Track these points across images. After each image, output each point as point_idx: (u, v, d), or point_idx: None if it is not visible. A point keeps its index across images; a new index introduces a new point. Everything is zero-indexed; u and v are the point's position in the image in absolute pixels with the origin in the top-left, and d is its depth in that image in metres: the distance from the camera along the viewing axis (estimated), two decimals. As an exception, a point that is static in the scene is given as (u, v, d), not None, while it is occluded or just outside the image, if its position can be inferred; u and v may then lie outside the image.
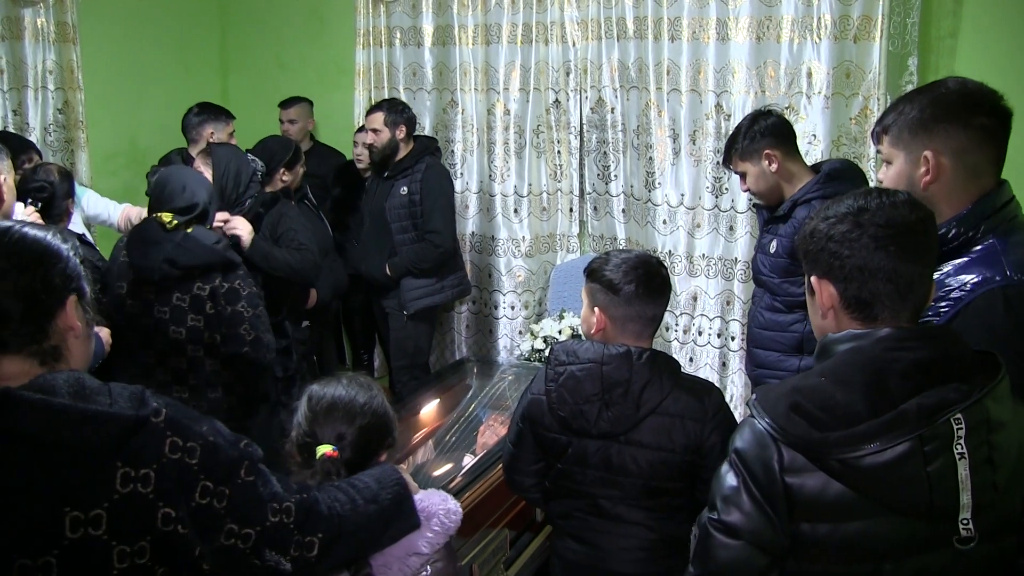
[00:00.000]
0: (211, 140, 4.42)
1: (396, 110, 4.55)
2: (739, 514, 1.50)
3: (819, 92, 4.03)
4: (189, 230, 3.12)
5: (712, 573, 1.54)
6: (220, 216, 3.50)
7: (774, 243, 3.27)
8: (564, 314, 4.70)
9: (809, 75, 4.06)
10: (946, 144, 1.82)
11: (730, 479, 1.53)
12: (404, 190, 4.53)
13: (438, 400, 4.04)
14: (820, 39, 4.00)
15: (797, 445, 1.45)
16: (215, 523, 1.44)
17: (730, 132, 4.25)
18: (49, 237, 1.45)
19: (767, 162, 3.23)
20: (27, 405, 1.30)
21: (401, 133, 4.54)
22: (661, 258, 3.10)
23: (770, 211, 3.36)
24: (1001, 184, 1.86)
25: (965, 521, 1.43)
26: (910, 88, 3.93)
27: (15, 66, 4.72)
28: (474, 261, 5.22)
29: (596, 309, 2.36)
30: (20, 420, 1.29)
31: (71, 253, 1.47)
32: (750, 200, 4.26)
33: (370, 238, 4.68)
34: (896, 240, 1.50)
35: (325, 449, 1.90)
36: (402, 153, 4.58)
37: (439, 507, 1.97)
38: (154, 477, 1.35)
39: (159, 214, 3.14)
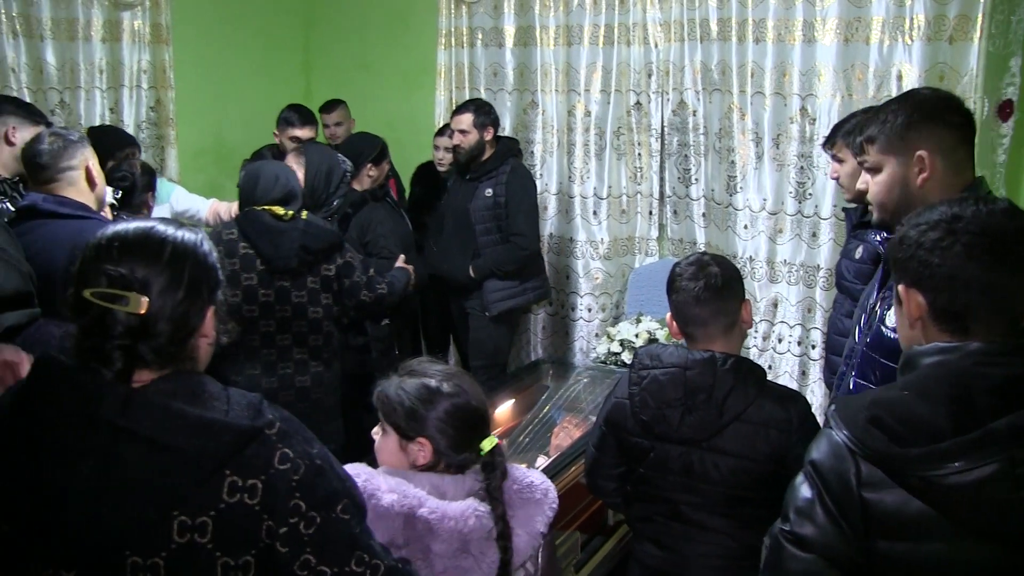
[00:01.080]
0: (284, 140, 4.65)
1: (484, 111, 4.54)
2: (812, 527, 1.45)
3: (910, 95, 3.91)
4: (304, 216, 3.31)
5: None
6: None
7: (860, 249, 3.17)
8: (641, 318, 4.66)
9: (899, 78, 3.95)
10: (935, 143, 2.00)
11: (804, 491, 1.48)
12: (489, 192, 4.53)
13: (513, 401, 4.04)
14: (912, 40, 3.89)
15: (876, 459, 1.40)
16: (294, 548, 1.37)
17: (814, 136, 4.21)
18: (203, 247, 1.46)
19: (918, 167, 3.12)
20: (147, 407, 1.31)
21: (488, 135, 4.53)
22: (739, 263, 3.05)
23: (859, 215, 3.25)
24: (979, 177, 2.05)
25: None
26: (1012, 91, 3.82)
27: (113, 66, 4.89)
28: (552, 263, 5.21)
29: (669, 314, 2.40)
30: (140, 421, 1.29)
31: (215, 258, 1.49)
32: (835, 206, 4.17)
33: (452, 239, 4.68)
34: (992, 250, 1.41)
35: (494, 441, 1.93)
36: (486, 154, 4.58)
37: (550, 485, 2.02)
38: (261, 489, 1.33)
39: (267, 206, 3.28)
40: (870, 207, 2.18)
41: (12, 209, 3.36)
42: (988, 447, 1.33)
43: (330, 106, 5.44)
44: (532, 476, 2.00)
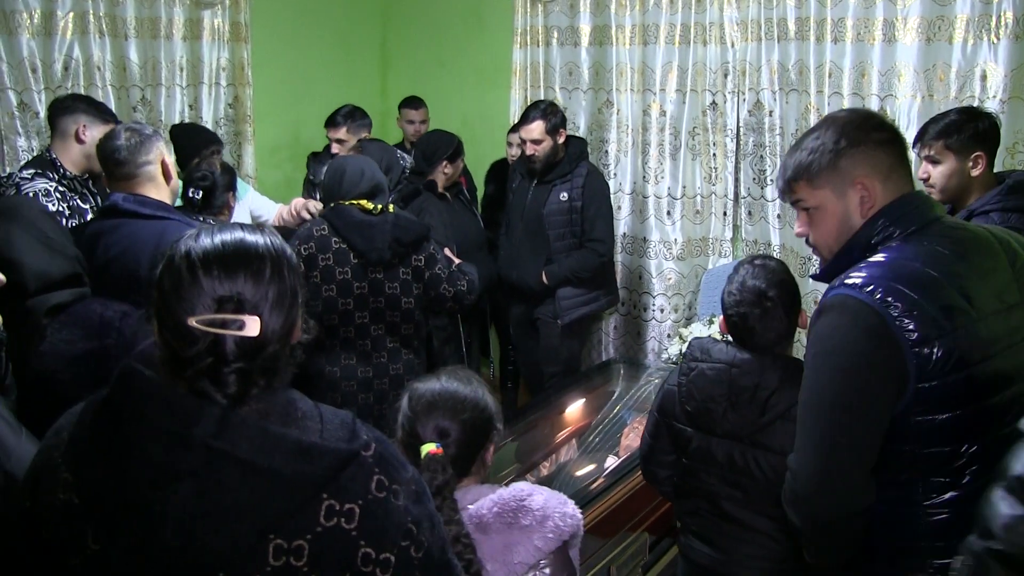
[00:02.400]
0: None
1: (552, 114, 4.44)
2: None
3: (994, 96, 3.81)
4: (391, 209, 3.40)
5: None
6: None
7: None
8: (714, 319, 4.62)
9: (983, 78, 3.86)
10: (870, 168, 1.85)
11: (1009, 507, 1.41)
12: (564, 196, 4.45)
13: (584, 400, 4.06)
14: (998, 39, 3.79)
15: None
16: (403, 573, 1.33)
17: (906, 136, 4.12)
18: (287, 248, 1.41)
19: (972, 163, 3.02)
20: (244, 429, 1.27)
21: (561, 138, 4.47)
22: (812, 265, 3.03)
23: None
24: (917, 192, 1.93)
25: None
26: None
27: (193, 64, 5.02)
28: (625, 263, 5.21)
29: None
30: (236, 443, 1.26)
31: (296, 259, 1.43)
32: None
33: (523, 244, 4.59)
34: None
35: (429, 448, 1.83)
36: (559, 156, 4.52)
37: (556, 510, 1.87)
38: (358, 513, 1.29)
39: (354, 201, 3.35)
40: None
41: (83, 206, 3.46)
42: None
43: (417, 102, 5.48)
44: (532, 499, 1.85)
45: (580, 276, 4.49)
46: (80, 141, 3.47)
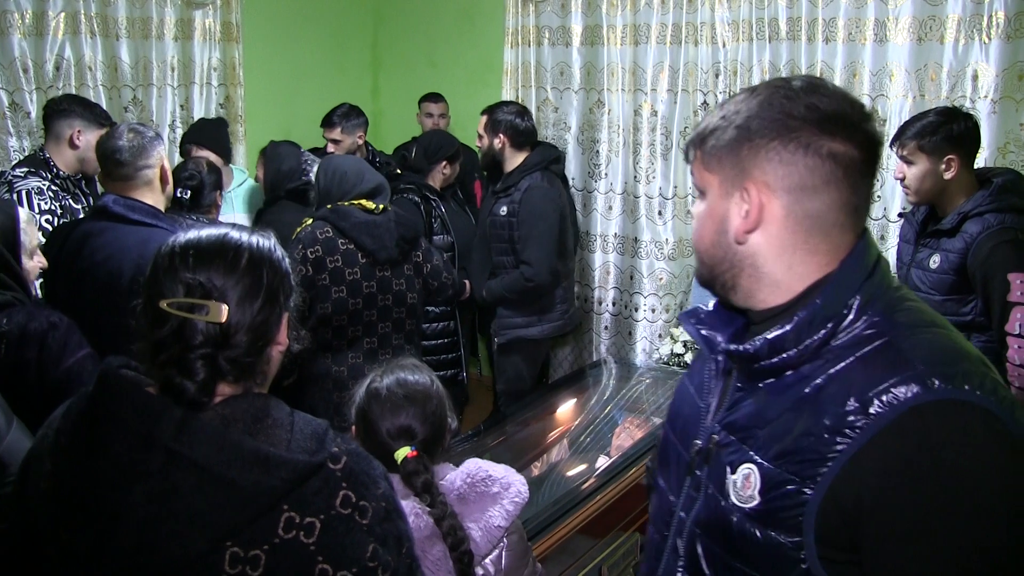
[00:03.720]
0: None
1: (501, 115, 4.23)
2: None
3: (985, 96, 3.84)
4: (389, 207, 3.40)
5: None
6: None
7: (936, 258, 3.07)
8: (705, 319, 4.63)
9: (975, 78, 3.88)
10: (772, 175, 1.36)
11: None
12: (504, 210, 4.14)
13: (574, 400, 4.05)
14: (990, 39, 3.81)
15: None
16: None
17: (885, 138, 4.14)
18: (276, 252, 1.42)
19: (944, 166, 3.01)
20: (203, 432, 1.26)
21: (499, 142, 4.21)
22: None
23: (925, 223, 3.18)
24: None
25: None
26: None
27: (184, 64, 5.00)
28: (616, 263, 5.21)
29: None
30: (194, 447, 1.24)
31: (288, 264, 1.43)
32: (903, 209, 4.09)
33: (476, 253, 4.39)
34: None
35: (404, 452, 1.90)
36: (510, 165, 4.23)
37: (514, 477, 1.97)
38: (319, 528, 1.26)
39: (354, 202, 3.33)
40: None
41: (75, 206, 3.47)
42: None
43: (436, 96, 5.51)
44: (492, 469, 1.97)
45: (509, 298, 4.20)
46: (74, 146, 3.47)
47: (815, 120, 1.20)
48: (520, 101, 5.18)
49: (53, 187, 3.41)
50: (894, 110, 4.09)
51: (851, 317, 1.19)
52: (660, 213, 5.01)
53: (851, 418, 1.11)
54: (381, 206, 3.36)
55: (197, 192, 3.46)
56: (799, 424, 1.17)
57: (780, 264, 1.25)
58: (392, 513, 1.36)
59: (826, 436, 1.13)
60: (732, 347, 1.29)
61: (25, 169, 3.43)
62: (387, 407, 1.96)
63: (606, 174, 5.16)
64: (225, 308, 1.30)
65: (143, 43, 4.79)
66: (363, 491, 1.31)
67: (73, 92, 4.35)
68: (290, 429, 1.31)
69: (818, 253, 1.24)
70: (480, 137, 4.30)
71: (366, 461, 1.37)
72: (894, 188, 4.13)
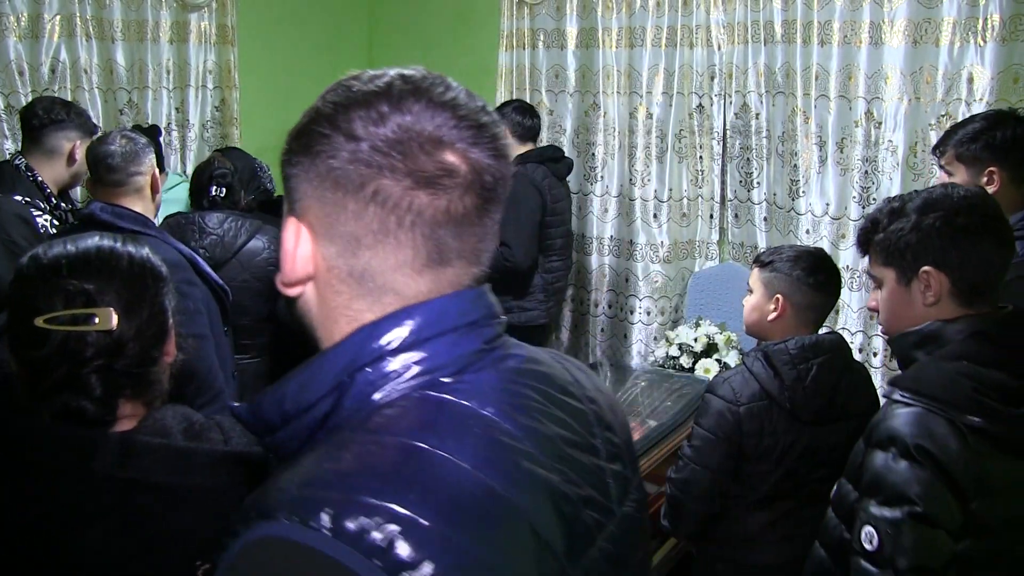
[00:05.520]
0: None
1: (504, 113, 4.40)
2: (924, 504, 1.53)
3: (981, 99, 3.82)
4: None
5: (912, 567, 1.54)
6: None
7: None
8: (700, 322, 4.63)
9: (970, 80, 3.87)
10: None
11: (907, 470, 1.56)
12: None
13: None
14: (985, 42, 3.80)
15: (984, 425, 1.54)
16: None
17: (880, 140, 4.14)
18: (153, 258, 1.33)
19: (986, 179, 2.58)
20: (150, 452, 1.18)
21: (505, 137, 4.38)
22: None
23: None
24: None
25: None
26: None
27: (180, 67, 4.99)
28: (611, 265, 5.20)
29: (779, 297, 2.46)
30: (148, 470, 1.17)
31: (165, 270, 1.34)
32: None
33: None
34: (995, 231, 1.67)
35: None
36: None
37: None
38: None
39: None
40: None
41: (52, 230, 3.16)
42: None
43: None
44: None
45: (491, 278, 4.28)
46: (72, 161, 3.24)
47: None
48: (516, 104, 5.19)
49: (55, 222, 3.11)
50: (889, 113, 4.08)
51: None
52: (655, 216, 5.00)
53: None
54: None
55: (231, 189, 3.39)
56: None
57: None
58: None
59: None
60: None
61: (21, 198, 3.08)
62: None
63: (601, 177, 5.16)
64: (114, 314, 1.20)
65: (138, 46, 4.78)
66: None
67: (68, 95, 4.35)
68: (220, 430, 1.27)
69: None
70: None
71: None
72: (889, 190, 4.13)
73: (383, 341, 0.87)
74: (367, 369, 0.86)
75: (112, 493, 1.16)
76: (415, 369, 0.87)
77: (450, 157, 0.90)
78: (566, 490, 0.85)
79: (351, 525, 0.71)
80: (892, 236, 1.77)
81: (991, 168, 2.57)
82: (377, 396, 0.86)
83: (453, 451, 0.79)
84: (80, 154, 3.18)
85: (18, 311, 1.22)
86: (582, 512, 0.86)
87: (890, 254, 1.79)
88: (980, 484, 1.54)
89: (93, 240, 1.29)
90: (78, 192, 3.95)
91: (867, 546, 1.59)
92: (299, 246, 0.91)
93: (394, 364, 0.87)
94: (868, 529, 1.59)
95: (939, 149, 2.72)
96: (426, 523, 0.72)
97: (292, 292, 0.94)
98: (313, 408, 0.86)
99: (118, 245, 1.29)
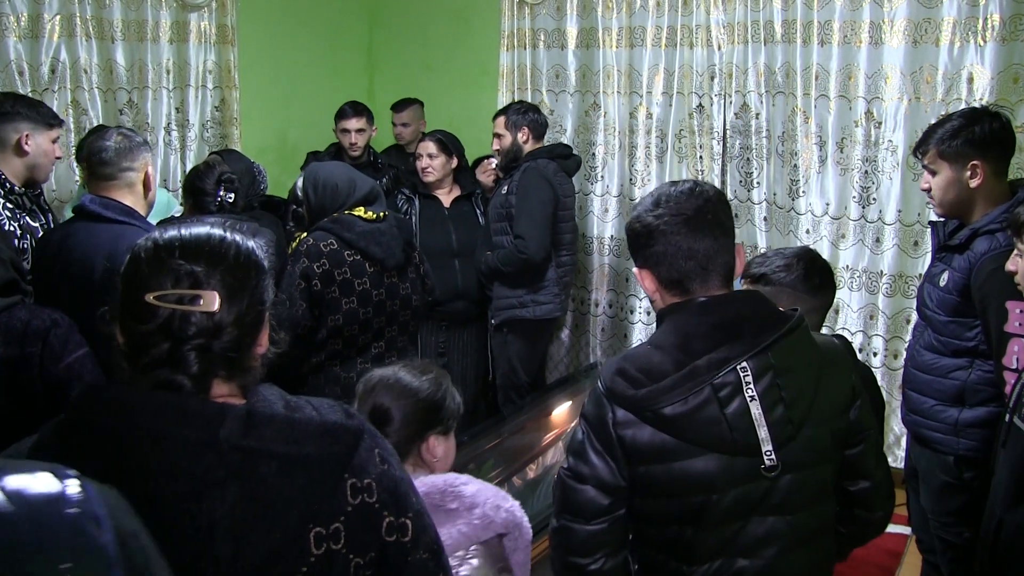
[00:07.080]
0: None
1: (519, 112, 4.50)
2: (586, 465, 1.78)
3: (980, 99, 3.83)
4: (388, 213, 3.38)
5: (567, 512, 1.82)
6: None
7: (945, 275, 2.78)
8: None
9: (970, 80, 3.88)
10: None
11: (578, 435, 1.83)
12: (504, 189, 4.43)
13: (570, 402, 4.05)
14: (985, 41, 3.82)
15: (622, 403, 1.74)
16: (414, 537, 1.39)
17: (880, 140, 4.15)
18: (259, 251, 1.40)
19: (969, 173, 2.69)
20: (273, 423, 1.27)
21: (524, 136, 4.47)
22: None
23: (944, 235, 2.89)
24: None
25: (768, 453, 1.70)
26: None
27: (180, 67, 4.99)
28: (612, 265, 5.21)
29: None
30: (267, 439, 1.25)
31: (268, 264, 1.41)
32: (899, 211, 4.10)
33: (483, 240, 4.61)
34: (687, 223, 1.75)
35: None
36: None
37: (489, 500, 1.91)
38: (375, 486, 1.33)
39: (350, 211, 3.23)
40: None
41: (33, 224, 3.19)
42: (693, 379, 1.68)
43: (400, 105, 5.50)
44: (464, 486, 1.92)
45: (504, 271, 4.38)
46: (22, 152, 3.15)
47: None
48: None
49: (8, 204, 3.10)
50: (889, 113, 4.09)
51: None
52: (656, 216, 4.99)
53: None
54: (382, 213, 3.30)
55: (238, 193, 3.38)
56: None
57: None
58: (400, 463, 1.45)
59: None
60: None
61: None
62: (362, 391, 2.09)
63: (602, 177, 5.17)
64: (218, 297, 1.27)
65: (138, 46, 4.78)
66: (384, 445, 1.41)
67: (68, 95, 4.38)
68: (313, 406, 1.37)
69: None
70: (500, 137, 4.49)
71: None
72: (889, 190, 4.14)
73: None
74: None
75: (237, 461, 1.24)
76: None
77: None
78: None
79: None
80: None
81: (974, 162, 2.69)
82: None
83: None
84: (31, 145, 3.15)
85: (130, 286, 1.30)
86: None
87: None
88: (634, 452, 1.75)
89: (206, 227, 1.37)
90: (53, 180, 4.06)
91: None
92: None
93: None
94: (554, 481, 1.91)
95: (920, 149, 2.82)
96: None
97: None
98: None
99: (228, 235, 1.37)
